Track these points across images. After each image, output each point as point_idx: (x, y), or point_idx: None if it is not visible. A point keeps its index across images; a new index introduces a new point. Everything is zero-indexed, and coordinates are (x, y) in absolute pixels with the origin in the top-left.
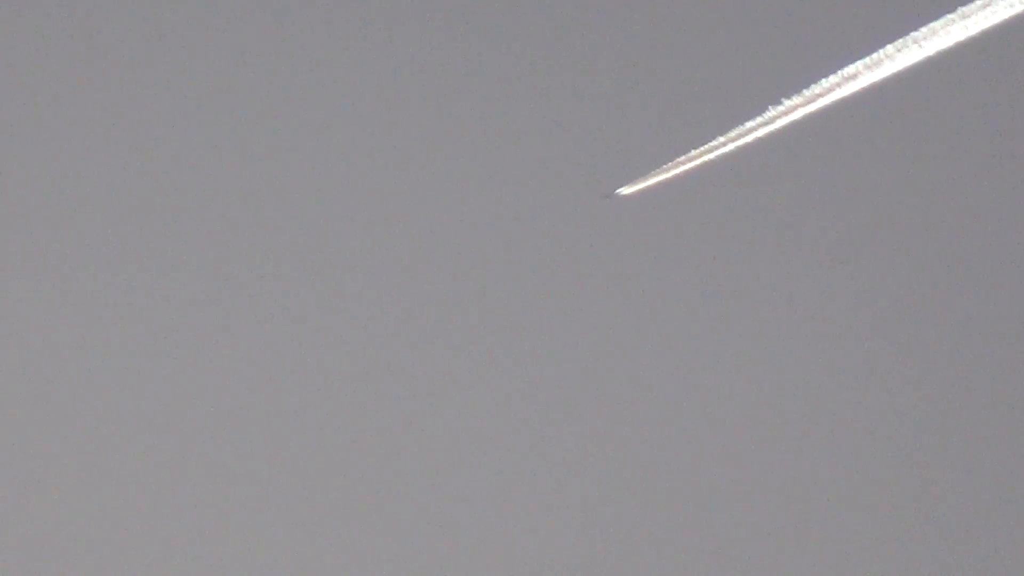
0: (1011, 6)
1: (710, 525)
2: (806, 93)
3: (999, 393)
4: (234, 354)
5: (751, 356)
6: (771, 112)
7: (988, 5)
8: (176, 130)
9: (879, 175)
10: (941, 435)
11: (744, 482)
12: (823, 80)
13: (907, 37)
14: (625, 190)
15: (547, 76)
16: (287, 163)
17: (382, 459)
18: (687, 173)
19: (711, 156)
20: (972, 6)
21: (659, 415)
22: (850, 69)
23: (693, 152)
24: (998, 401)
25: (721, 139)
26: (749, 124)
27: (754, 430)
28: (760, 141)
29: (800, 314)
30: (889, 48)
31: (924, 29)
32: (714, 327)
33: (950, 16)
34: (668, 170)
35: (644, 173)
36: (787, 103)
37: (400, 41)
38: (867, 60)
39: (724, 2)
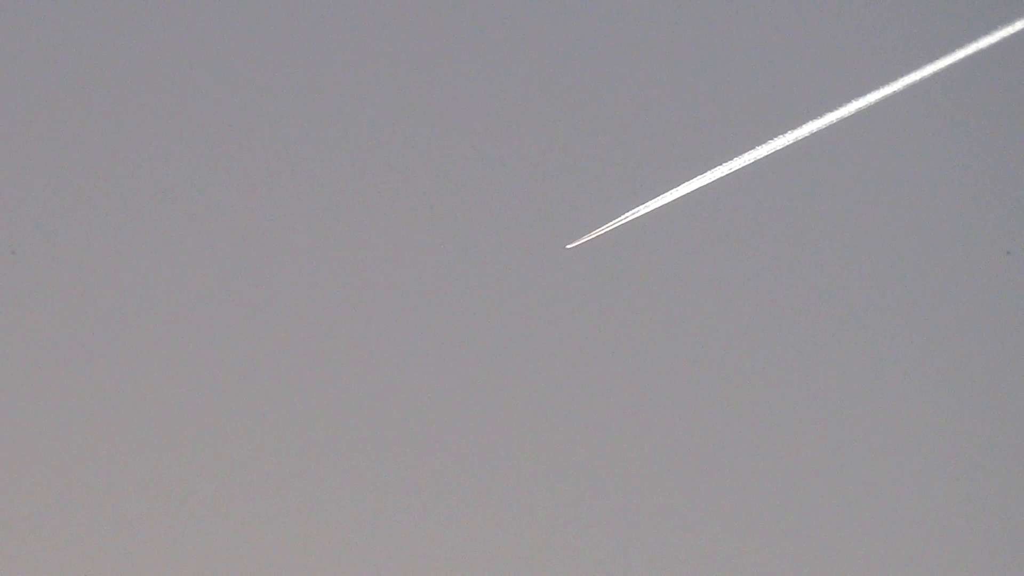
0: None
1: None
2: (758, 149)
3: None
4: (223, 355)
5: (701, 409)
6: (719, 167)
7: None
8: (173, 126)
9: (832, 221)
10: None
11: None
12: (776, 137)
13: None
14: (571, 244)
15: (492, 131)
16: (230, 208)
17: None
18: (632, 225)
19: (654, 208)
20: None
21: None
22: (802, 130)
23: (639, 207)
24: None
25: (667, 194)
26: (695, 179)
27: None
28: (702, 193)
29: (749, 359)
30: (834, 113)
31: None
32: (662, 378)
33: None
34: (615, 223)
35: (590, 227)
36: (738, 158)
37: (359, 89)
38: (818, 120)
39: (674, 58)
